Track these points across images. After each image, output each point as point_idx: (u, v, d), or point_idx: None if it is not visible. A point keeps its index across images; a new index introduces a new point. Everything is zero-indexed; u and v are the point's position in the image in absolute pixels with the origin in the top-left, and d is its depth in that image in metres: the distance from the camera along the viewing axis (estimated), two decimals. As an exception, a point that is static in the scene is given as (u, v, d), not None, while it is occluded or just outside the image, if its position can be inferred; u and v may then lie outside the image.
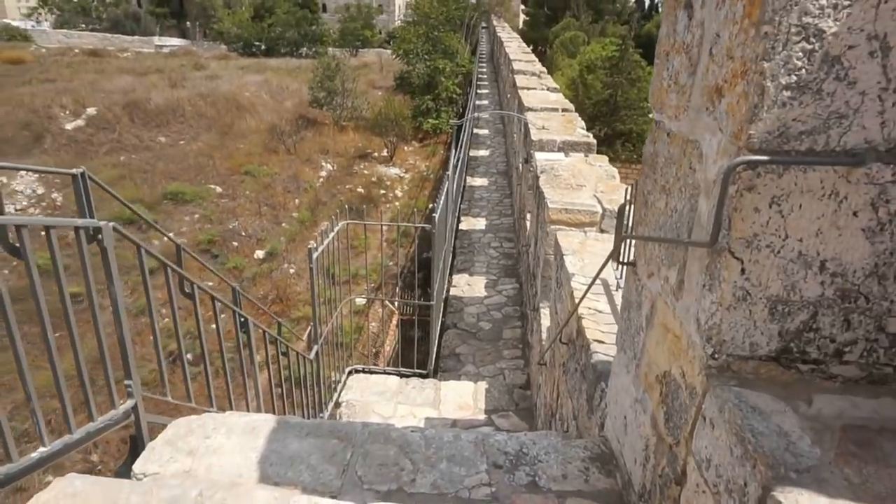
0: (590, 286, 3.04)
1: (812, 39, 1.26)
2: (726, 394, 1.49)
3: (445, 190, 6.51)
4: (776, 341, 1.53)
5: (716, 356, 1.55)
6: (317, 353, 4.94)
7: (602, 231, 5.07)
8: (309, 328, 4.97)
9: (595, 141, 7.24)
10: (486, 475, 2.28)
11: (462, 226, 10.43)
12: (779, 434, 1.37)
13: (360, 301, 14.98)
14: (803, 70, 1.28)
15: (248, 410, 3.63)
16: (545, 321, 5.19)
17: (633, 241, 2.59)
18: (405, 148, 23.78)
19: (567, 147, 7.15)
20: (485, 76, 27.48)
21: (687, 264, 1.69)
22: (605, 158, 6.59)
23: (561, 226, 5.12)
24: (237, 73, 30.70)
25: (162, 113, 23.80)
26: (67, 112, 22.55)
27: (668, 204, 1.83)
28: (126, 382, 2.49)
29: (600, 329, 3.14)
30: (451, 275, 8.45)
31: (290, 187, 19.90)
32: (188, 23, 55.54)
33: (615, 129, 27.62)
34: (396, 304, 11.07)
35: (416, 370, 6.17)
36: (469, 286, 8.17)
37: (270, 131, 23.06)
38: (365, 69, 34.92)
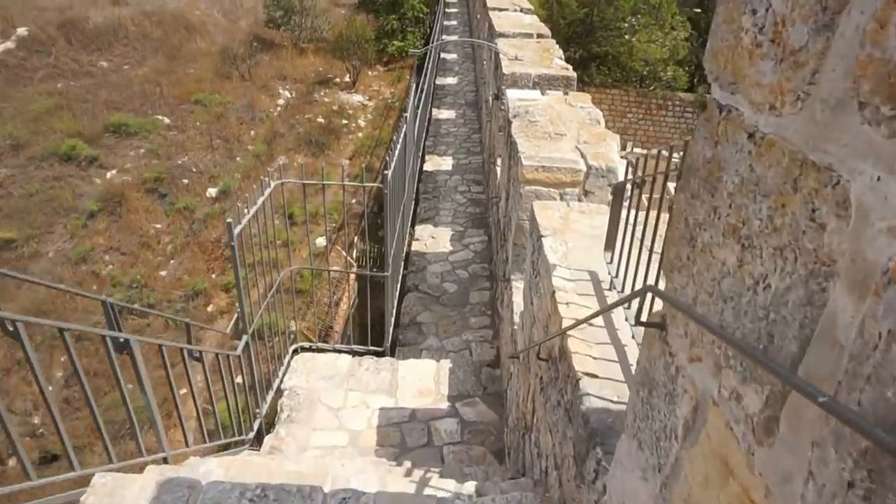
0: (576, 324, 2.25)
1: None
2: None
3: (403, 136, 5.57)
4: None
5: None
6: (247, 344, 4.13)
7: (586, 193, 4.25)
8: (235, 316, 4.12)
9: (575, 75, 6.29)
10: None
11: (426, 166, 9.49)
12: None
13: (321, 243, 14.12)
14: None
15: (142, 451, 2.82)
16: (517, 298, 4.43)
17: (643, 261, 1.81)
18: (369, 73, 22.24)
19: (543, 82, 6.21)
20: (454, -6, 25.66)
21: (790, 402, 0.89)
22: (588, 97, 5.68)
23: (537, 185, 4.28)
24: (186, -11, 28.25)
25: (102, 34, 21.76)
26: (-6, 33, 20.46)
27: (747, 265, 1.01)
28: None
29: (591, 353, 2.37)
30: (413, 226, 7.61)
31: (244, 117, 18.48)
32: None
33: (590, 51, 26.25)
34: (355, 255, 10.23)
35: (371, 347, 5.41)
36: (433, 239, 7.35)
37: (223, 55, 21.26)
38: (326, -15, 32.47)
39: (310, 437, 4.43)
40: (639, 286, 2.44)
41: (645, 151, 24.85)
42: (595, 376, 2.26)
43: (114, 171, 15.78)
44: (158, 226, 14.51)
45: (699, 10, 27.03)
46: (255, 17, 24.75)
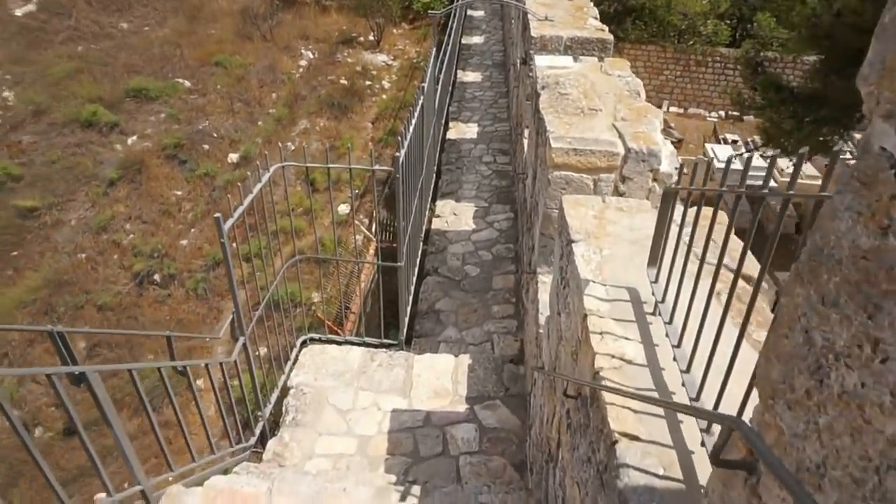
0: (618, 392, 1.79)
1: None
2: None
3: (420, 109, 5.07)
4: None
5: None
6: (244, 346, 3.77)
7: (624, 180, 3.72)
8: (231, 315, 3.77)
9: (612, 38, 5.67)
10: None
11: (450, 134, 8.96)
12: None
13: (343, 210, 13.75)
14: None
15: (109, 491, 2.47)
16: (543, 296, 3.97)
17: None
18: (394, 31, 21.45)
19: (576, 46, 5.61)
20: (482, -55, 24.45)
21: None
22: (627, 64, 5.09)
23: (568, 171, 3.77)
24: (207, -55, 27.52)
25: (122, -6, 21.31)
26: (14, -6, 20.15)
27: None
28: None
29: (631, 406, 1.92)
30: (434, 201, 7.14)
31: (265, 79, 17.99)
32: None
33: (626, 4, 24.99)
34: (374, 230, 9.81)
35: (385, 340, 5.02)
36: (455, 216, 6.87)
37: (243, 14, 20.67)
38: (350, -62, 31.35)
39: (315, 442, 4.10)
40: (691, 319, 1.97)
41: (682, 110, 23.78)
42: (637, 438, 1.81)
43: (134, 137, 15.53)
44: (179, 193, 14.27)
45: (743, -40, 25.44)
46: (278, -26, 23.99)
